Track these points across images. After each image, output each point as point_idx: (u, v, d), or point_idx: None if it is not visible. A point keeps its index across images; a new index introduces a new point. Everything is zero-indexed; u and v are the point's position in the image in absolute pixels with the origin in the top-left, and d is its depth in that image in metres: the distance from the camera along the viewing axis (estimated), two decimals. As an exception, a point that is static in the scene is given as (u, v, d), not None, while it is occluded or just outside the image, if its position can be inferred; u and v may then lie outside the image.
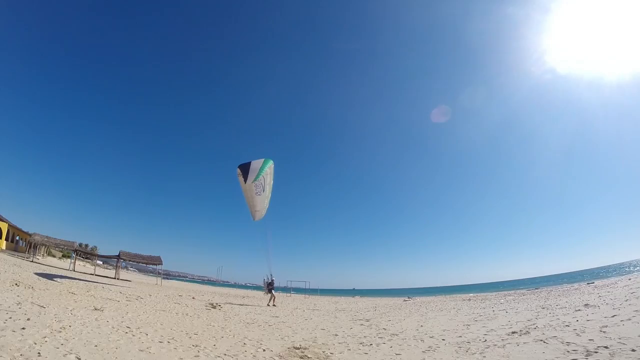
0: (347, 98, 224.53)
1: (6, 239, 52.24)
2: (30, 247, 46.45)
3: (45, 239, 47.33)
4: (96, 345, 7.81)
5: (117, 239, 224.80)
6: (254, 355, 9.04)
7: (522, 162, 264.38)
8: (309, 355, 9.38)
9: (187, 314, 16.24)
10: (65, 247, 51.28)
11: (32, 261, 40.38)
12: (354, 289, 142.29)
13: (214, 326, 13.55)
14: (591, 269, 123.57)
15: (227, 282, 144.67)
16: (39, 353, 6.47)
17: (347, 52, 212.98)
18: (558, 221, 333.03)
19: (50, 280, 21.42)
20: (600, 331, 9.34)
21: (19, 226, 55.51)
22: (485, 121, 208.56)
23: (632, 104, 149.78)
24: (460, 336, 11.53)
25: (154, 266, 56.00)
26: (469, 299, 33.97)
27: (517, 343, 9.35)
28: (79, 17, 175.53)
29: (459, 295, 49.92)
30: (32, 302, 11.85)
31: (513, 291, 45.63)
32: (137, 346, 8.43)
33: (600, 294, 20.13)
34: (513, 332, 11.03)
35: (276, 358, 8.97)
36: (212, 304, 22.81)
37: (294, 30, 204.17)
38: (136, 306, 16.72)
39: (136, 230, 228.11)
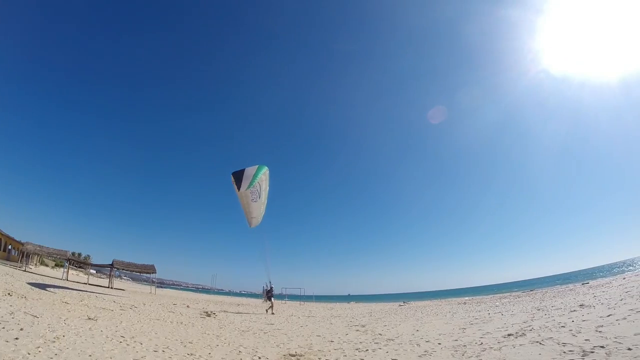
0: (346, 100, 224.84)
1: (-2, 248, 51.80)
2: (22, 256, 45.92)
3: (38, 248, 46.83)
4: (90, 355, 7.80)
5: (110, 248, 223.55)
6: (249, 363, 9.01)
7: (517, 165, 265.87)
8: (305, 362, 9.36)
9: (181, 323, 16.16)
10: (58, 256, 50.85)
11: (24, 270, 39.95)
12: (349, 294, 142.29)
13: (208, 334, 13.49)
14: (586, 269, 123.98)
15: (221, 290, 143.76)
16: (32, 363, 6.41)
17: (347, 53, 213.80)
18: (552, 223, 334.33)
19: (43, 290, 21.24)
20: (596, 331, 9.36)
21: (11, 235, 55.03)
22: (480, 122, 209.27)
23: (622, 105, 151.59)
24: (456, 340, 11.51)
25: (148, 275, 55.67)
26: (465, 303, 34.01)
27: (513, 345, 9.35)
28: (70, 27, 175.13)
29: (455, 299, 49.92)
30: (25, 312, 11.76)
31: (508, 293, 45.77)
32: (132, 356, 8.41)
33: (595, 294, 20.19)
34: (509, 335, 11.03)
35: (272, 365, 8.94)
36: (206, 312, 22.70)
37: (292, 33, 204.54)
38: (130, 315, 16.61)
39: (130, 239, 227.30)
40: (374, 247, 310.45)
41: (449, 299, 49.93)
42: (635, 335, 8.17)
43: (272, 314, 27.54)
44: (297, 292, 58.18)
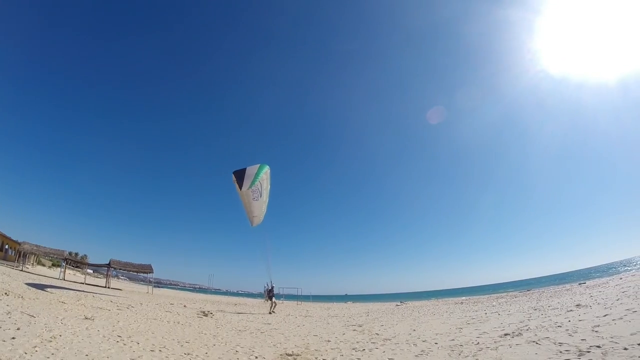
0: (345, 100, 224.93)
1: (-5, 248, 51.76)
2: (19, 256, 45.87)
3: (35, 248, 46.79)
4: (87, 355, 7.80)
5: (107, 247, 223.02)
6: (246, 363, 9.01)
7: (514, 165, 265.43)
8: (302, 362, 9.37)
9: (178, 322, 16.14)
10: (55, 256, 50.94)
11: (21, 270, 39.85)
12: (346, 294, 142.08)
13: (205, 334, 13.48)
14: (583, 269, 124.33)
15: (219, 289, 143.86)
16: (29, 363, 6.41)
17: (345, 53, 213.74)
18: (549, 222, 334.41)
19: (40, 290, 21.18)
20: (593, 331, 9.39)
21: (8, 235, 54.93)
22: (478, 123, 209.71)
23: (620, 106, 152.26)
24: (453, 339, 11.53)
25: (145, 275, 55.69)
26: (462, 303, 34.04)
27: (509, 345, 9.36)
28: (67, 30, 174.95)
29: (452, 298, 50.00)
30: (21, 312, 11.76)
31: (505, 293, 45.90)
32: (129, 355, 8.40)
33: (591, 294, 20.26)
34: (505, 334, 11.05)
35: (268, 365, 8.94)
36: (203, 312, 22.65)
37: (290, 32, 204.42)
38: (127, 315, 16.58)
39: (127, 239, 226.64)
40: (371, 246, 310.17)
41: (446, 299, 50.02)
42: (631, 335, 8.19)
43: (273, 312, 27.54)
44: (294, 292, 58.15)
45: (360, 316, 25.18)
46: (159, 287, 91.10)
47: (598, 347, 7.72)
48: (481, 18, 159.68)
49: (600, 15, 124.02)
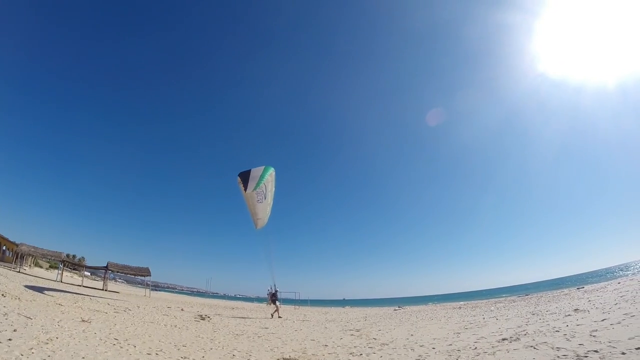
0: (345, 101, 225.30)
1: (-8, 249, 51.67)
2: (17, 257, 45.72)
3: (32, 249, 46.66)
4: (83, 358, 7.78)
5: (105, 250, 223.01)
6: (243, 367, 8.99)
7: (512, 170, 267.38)
8: (299, 366, 9.35)
9: (175, 326, 16.12)
10: (53, 258, 50.79)
11: (18, 272, 39.73)
12: (344, 299, 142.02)
13: (202, 338, 13.46)
14: (581, 273, 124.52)
15: (216, 293, 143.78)
16: (25, 365, 6.39)
17: (347, 54, 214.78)
18: (547, 227, 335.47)
19: (37, 292, 21.12)
20: (590, 335, 9.36)
21: (6, 236, 54.84)
22: (476, 127, 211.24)
23: (619, 108, 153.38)
24: (451, 344, 11.50)
25: (143, 277, 55.50)
26: (460, 307, 34.03)
27: (507, 350, 9.34)
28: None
29: (450, 303, 50.00)
30: (18, 313, 11.74)
31: (503, 298, 45.91)
32: (125, 358, 8.41)
33: (590, 299, 20.24)
34: (503, 339, 11.02)
35: (265, 369, 8.92)
36: (201, 316, 22.60)
37: (290, 33, 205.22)
38: (124, 318, 16.55)
39: (125, 241, 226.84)
40: (369, 251, 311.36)
41: (444, 304, 49.98)
42: (629, 339, 8.17)
43: (280, 317, 27.46)
44: (292, 296, 58.03)
45: (358, 321, 25.14)
46: (156, 290, 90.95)
47: (596, 351, 7.70)
48: (480, 21, 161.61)
49: (599, 20, 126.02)
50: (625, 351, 7.33)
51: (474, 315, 21.27)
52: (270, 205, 26.39)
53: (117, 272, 53.22)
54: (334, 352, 11.45)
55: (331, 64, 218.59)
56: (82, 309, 17.15)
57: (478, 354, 9.29)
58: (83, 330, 10.96)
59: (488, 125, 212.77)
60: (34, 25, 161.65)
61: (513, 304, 28.70)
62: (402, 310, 40.62)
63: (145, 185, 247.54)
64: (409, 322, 21.59)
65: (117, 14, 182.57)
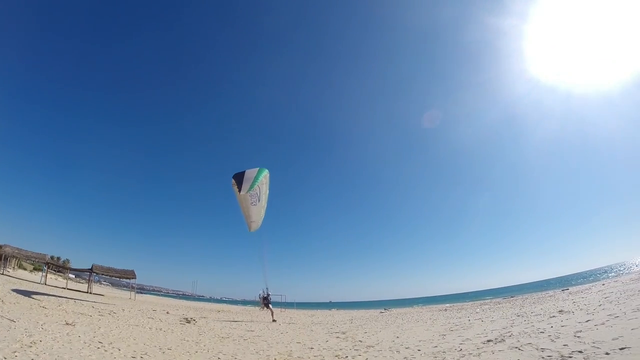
0: (339, 101, 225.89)
1: (-25, 251, 50.90)
2: (0, 259, 45.27)
3: (16, 251, 46.07)
4: None
5: (90, 252, 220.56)
6: (228, 370, 8.93)
7: (500, 175, 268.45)
8: (284, 369, 9.30)
9: (160, 329, 15.98)
10: (37, 260, 50.31)
11: (2, 274, 39.34)
12: (330, 301, 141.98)
13: (188, 341, 13.38)
14: (566, 275, 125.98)
15: (202, 296, 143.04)
16: (9, 368, 6.30)
17: (339, 54, 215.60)
18: (532, 230, 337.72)
19: (20, 294, 20.86)
20: (575, 336, 9.40)
21: (-11, 237, 54.16)
22: (466, 133, 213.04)
23: (607, 114, 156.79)
24: (436, 346, 11.50)
25: (128, 280, 54.92)
26: (446, 309, 34.13)
27: (492, 351, 9.34)
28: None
29: (436, 305, 50.16)
30: (1, 316, 11.71)
31: (489, 300, 46.16)
32: (109, 362, 8.26)
33: (574, 300, 20.42)
34: (488, 341, 11.04)
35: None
36: (186, 319, 22.41)
37: (284, 33, 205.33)
38: (109, 321, 16.39)
39: (110, 244, 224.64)
40: (356, 254, 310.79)
41: (430, 306, 50.15)
42: (613, 340, 8.21)
43: (274, 320, 27.30)
44: (278, 299, 57.84)
45: (344, 323, 25.08)
46: (141, 293, 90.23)
47: (580, 352, 7.72)
48: (474, 25, 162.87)
49: (590, 26, 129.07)
50: (609, 351, 7.35)
51: (460, 317, 21.33)
52: (265, 208, 26.15)
53: (102, 274, 52.52)
54: (319, 355, 11.39)
55: (324, 63, 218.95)
56: (66, 311, 16.98)
57: (463, 356, 9.29)
58: (67, 334, 10.90)
59: (478, 130, 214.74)
60: (27, 28, 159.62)
61: (498, 306, 28.87)
62: (388, 312, 40.70)
63: (130, 187, 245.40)
64: (395, 324, 21.58)
65: (110, 15, 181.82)
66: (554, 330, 11.09)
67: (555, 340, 9.43)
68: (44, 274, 47.08)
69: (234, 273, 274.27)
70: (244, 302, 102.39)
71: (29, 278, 45.86)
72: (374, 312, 42.58)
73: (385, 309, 49.28)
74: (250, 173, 23.21)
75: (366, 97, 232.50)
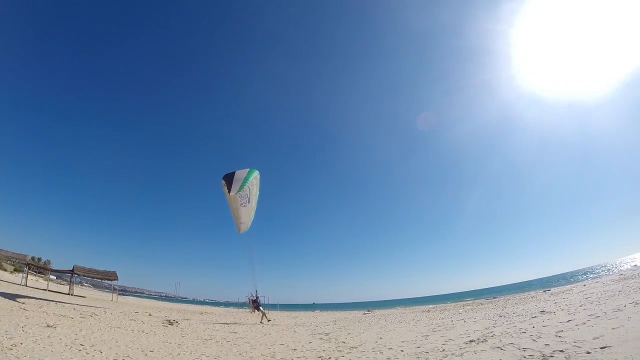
0: (326, 103, 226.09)
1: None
2: (-20, 260, 44.67)
3: (-3, 252, 45.52)
4: None
5: (71, 253, 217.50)
6: (210, 372, 8.87)
7: (482, 178, 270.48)
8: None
9: (143, 331, 15.80)
10: (17, 261, 49.59)
11: (-18, 275, 38.83)
12: (314, 303, 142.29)
13: (170, 343, 13.23)
14: (548, 277, 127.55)
15: (185, 298, 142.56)
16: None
17: (332, 54, 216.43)
18: (515, 232, 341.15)
19: (0, 296, 20.54)
20: (556, 336, 9.48)
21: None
22: (450, 142, 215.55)
23: (581, 124, 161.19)
24: (419, 347, 11.51)
25: (110, 282, 54.40)
26: (428, 311, 34.25)
27: (474, 351, 9.38)
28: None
29: (419, 307, 50.27)
30: (-20, 318, 11.43)
31: (471, 301, 46.42)
32: (91, 365, 8.16)
33: (556, 301, 20.63)
34: (471, 341, 11.09)
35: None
36: (169, 321, 22.22)
37: (279, 32, 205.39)
38: (90, 323, 16.16)
39: (92, 245, 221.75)
40: (340, 256, 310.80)
41: (413, 307, 50.28)
42: (594, 339, 8.28)
43: (268, 320, 27.23)
44: (261, 301, 57.65)
45: (327, 325, 25.07)
46: (124, 294, 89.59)
47: (561, 351, 7.78)
48: (471, 29, 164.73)
49: (576, 37, 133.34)
50: (590, 350, 7.40)
51: (442, 318, 21.41)
52: (254, 210, 26.00)
53: (84, 276, 51.93)
54: (303, 356, 11.38)
55: (317, 64, 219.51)
56: (47, 313, 16.71)
57: (446, 356, 9.31)
58: (48, 336, 10.71)
59: (461, 142, 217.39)
60: (18, 32, 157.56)
61: (481, 306, 29.05)
62: (371, 314, 40.72)
63: (112, 188, 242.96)
64: (378, 325, 21.61)
65: (101, 16, 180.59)
66: (536, 330, 11.17)
67: (537, 340, 9.49)
68: (24, 275, 46.24)
69: (217, 275, 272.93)
70: (227, 304, 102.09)
71: (10, 279, 45.14)
72: (357, 314, 42.63)
73: (368, 310, 49.33)
74: (240, 174, 23.10)
75: (358, 98, 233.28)
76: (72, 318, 16.80)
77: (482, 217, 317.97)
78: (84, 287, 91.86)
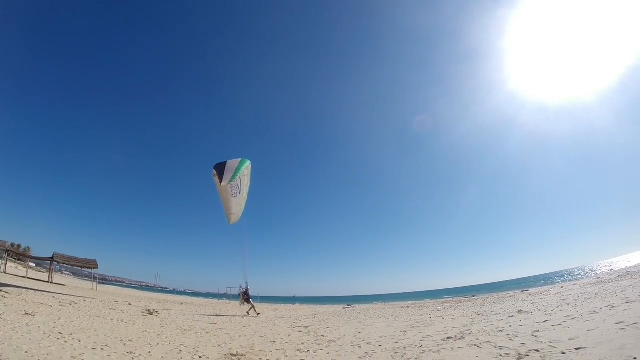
0: (321, 100, 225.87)
1: None
2: (-43, 247, 44.00)
3: (-26, 238, 44.86)
4: (26, 352, 7.57)
5: (51, 240, 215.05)
6: (189, 363, 8.85)
7: (466, 179, 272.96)
8: (246, 362, 9.25)
9: (122, 320, 15.67)
10: (-4, 247, 48.96)
11: (-41, 262, 38.31)
12: (294, 296, 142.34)
13: (149, 333, 13.13)
14: (526, 277, 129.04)
15: (165, 288, 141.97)
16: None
17: (331, 53, 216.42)
18: (497, 232, 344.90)
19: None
20: (532, 335, 9.58)
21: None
22: (434, 149, 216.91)
23: (563, 128, 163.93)
24: (397, 342, 11.59)
25: (90, 270, 54.06)
26: (408, 307, 34.44)
27: (451, 348, 9.45)
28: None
29: (398, 302, 50.61)
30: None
31: (450, 299, 46.76)
32: (69, 353, 8.15)
33: (533, 301, 20.85)
34: (448, 338, 11.17)
35: (212, 365, 8.80)
36: (148, 311, 22.06)
37: (281, 30, 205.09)
38: (69, 311, 16.01)
39: (72, 232, 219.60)
40: (321, 250, 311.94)
41: (393, 303, 50.61)
42: (569, 340, 8.38)
43: (258, 314, 27.08)
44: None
45: (307, 318, 25.11)
46: (103, 283, 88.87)
47: (537, 351, 7.87)
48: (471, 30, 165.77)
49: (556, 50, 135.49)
50: (565, 351, 7.50)
51: (421, 315, 21.55)
52: (245, 200, 25.77)
53: (64, 263, 51.35)
54: (281, 349, 11.39)
55: (315, 63, 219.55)
56: (26, 301, 16.55)
57: (423, 352, 9.37)
58: (27, 324, 10.64)
59: (458, 138, 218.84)
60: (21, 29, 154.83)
61: (460, 304, 29.29)
62: (351, 308, 40.92)
63: (94, 176, 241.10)
64: (357, 320, 21.71)
65: (103, 16, 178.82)
66: (513, 329, 11.28)
67: (513, 339, 9.59)
68: (3, 262, 45.80)
69: (197, 266, 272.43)
70: (207, 295, 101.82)
71: (-12, 267, 44.77)
72: (337, 308, 42.76)
73: (348, 305, 49.58)
74: (232, 163, 22.88)
75: (355, 98, 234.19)
76: (51, 306, 16.66)
77: (466, 218, 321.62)
78: (63, 275, 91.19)
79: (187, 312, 27.02)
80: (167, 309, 27.17)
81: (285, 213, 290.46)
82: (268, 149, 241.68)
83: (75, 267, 61.93)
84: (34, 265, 72.79)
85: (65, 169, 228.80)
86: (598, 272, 64.10)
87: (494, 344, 9.17)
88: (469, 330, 12.42)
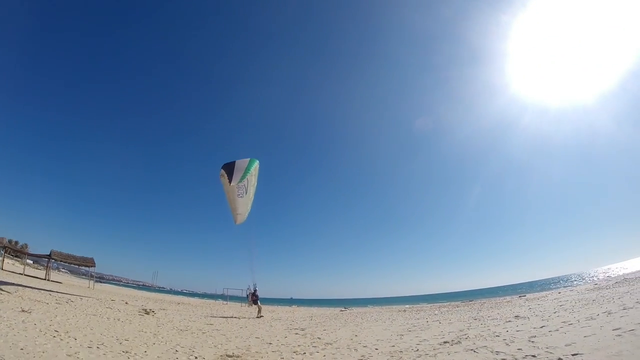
0: (315, 101, 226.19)
1: None
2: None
3: (-29, 234, 44.74)
4: (22, 349, 7.60)
5: (49, 237, 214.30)
6: (185, 363, 8.85)
7: (461, 183, 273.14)
8: (241, 364, 9.25)
9: (118, 319, 15.71)
10: (-7, 243, 48.79)
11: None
12: (291, 298, 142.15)
13: (146, 332, 13.18)
14: (524, 282, 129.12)
15: (162, 288, 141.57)
16: (-38, 356, 6.13)
17: (340, 57, 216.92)
18: (494, 237, 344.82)
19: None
20: (529, 341, 9.56)
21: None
22: (430, 152, 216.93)
23: (558, 131, 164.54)
24: (394, 346, 11.57)
25: (87, 268, 53.93)
26: (405, 310, 34.35)
27: (448, 352, 9.44)
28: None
29: (395, 306, 50.45)
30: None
31: (447, 303, 46.67)
32: (65, 351, 8.17)
33: (530, 307, 20.82)
34: (445, 342, 11.15)
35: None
36: (145, 310, 22.04)
37: (287, 33, 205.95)
38: (66, 309, 16.07)
39: (70, 229, 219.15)
40: (318, 252, 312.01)
41: (390, 306, 50.45)
42: (566, 345, 8.37)
43: (261, 316, 26.87)
44: (239, 293, 57.49)
45: (304, 320, 25.07)
46: (100, 282, 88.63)
47: (533, 356, 7.85)
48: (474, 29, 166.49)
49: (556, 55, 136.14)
50: (562, 357, 7.48)
51: (418, 319, 21.50)
52: (252, 201, 25.58)
53: (61, 261, 51.29)
54: (277, 350, 11.39)
55: (324, 66, 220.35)
56: (22, 298, 16.57)
57: (420, 356, 9.36)
58: (23, 321, 10.66)
59: (443, 153, 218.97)
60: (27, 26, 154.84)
61: (457, 309, 29.23)
62: (348, 311, 40.86)
63: (92, 173, 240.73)
64: (354, 323, 21.65)
65: (110, 11, 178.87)
66: (509, 334, 11.26)
67: (510, 344, 9.57)
68: (0, 258, 45.72)
69: (195, 266, 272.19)
70: (204, 295, 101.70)
71: (-16, 263, 44.68)
72: (334, 311, 42.74)
73: (345, 308, 49.54)
74: (241, 163, 22.77)
75: (360, 102, 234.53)
76: (48, 304, 16.70)
77: (465, 223, 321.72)
78: (60, 272, 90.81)
79: (184, 312, 26.98)
80: (164, 309, 27.16)
81: (284, 214, 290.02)
82: (268, 149, 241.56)
83: (72, 265, 61.64)
84: (31, 262, 72.56)
85: (64, 168, 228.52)
86: (595, 279, 64.13)
87: (490, 349, 9.15)
88: (465, 334, 12.39)
